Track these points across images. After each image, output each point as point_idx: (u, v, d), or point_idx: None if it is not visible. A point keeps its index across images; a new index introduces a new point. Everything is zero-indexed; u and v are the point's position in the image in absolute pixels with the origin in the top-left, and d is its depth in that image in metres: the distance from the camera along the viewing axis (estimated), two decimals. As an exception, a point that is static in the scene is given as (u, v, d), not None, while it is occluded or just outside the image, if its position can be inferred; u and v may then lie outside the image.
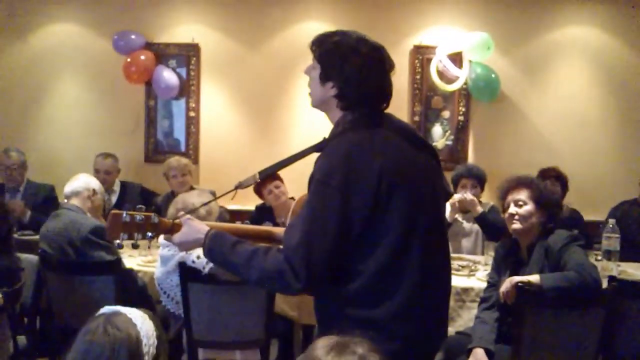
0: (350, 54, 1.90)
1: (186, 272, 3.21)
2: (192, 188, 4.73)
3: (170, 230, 2.02)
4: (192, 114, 5.80)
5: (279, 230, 2.14)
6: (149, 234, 2.02)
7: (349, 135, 1.84)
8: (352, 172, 1.75)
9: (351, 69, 1.88)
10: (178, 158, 5.01)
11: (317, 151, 1.92)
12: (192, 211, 2.19)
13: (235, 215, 4.81)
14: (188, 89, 5.77)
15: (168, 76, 5.61)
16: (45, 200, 4.92)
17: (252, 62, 5.77)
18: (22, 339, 3.30)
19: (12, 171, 4.98)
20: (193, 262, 3.20)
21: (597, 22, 5.59)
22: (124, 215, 2.00)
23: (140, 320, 1.53)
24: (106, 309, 1.57)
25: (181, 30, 5.80)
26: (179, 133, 5.86)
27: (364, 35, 1.95)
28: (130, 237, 2.03)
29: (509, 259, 3.20)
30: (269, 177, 4.62)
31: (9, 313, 3.00)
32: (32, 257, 3.54)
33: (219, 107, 5.83)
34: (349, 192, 1.74)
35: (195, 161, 5.67)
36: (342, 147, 1.81)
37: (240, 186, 2.14)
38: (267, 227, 2.44)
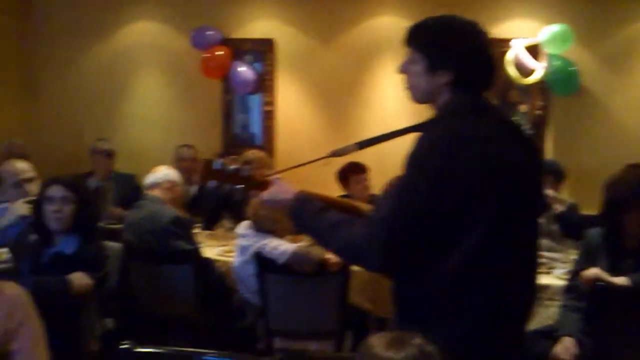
0: (460, 35, 1.81)
1: (263, 262, 3.28)
2: (268, 181, 4.79)
3: (259, 186, 1.98)
4: (267, 108, 5.88)
5: (366, 208, 2.09)
6: (238, 186, 2.00)
7: (455, 119, 1.77)
8: (451, 157, 1.67)
9: (466, 50, 1.80)
10: (255, 151, 5.09)
11: (418, 131, 1.85)
12: (283, 171, 2.16)
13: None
14: (264, 83, 5.86)
15: (244, 71, 5.71)
16: (130, 190, 5.10)
17: (326, 57, 5.81)
18: (109, 321, 3.45)
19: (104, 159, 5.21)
20: (269, 252, 3.27)
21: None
22: (216, 162, 1.96)
23: None
24: None
25: (257, 25, 5.89)
26: (255, 127, 5.96)
27: (456, 15, 1.89)
28: (219, 186, 2.06)
29: (608, 246, 3.10)
30: (356, 168, 4.66)
31: (97, 297, 3.14)
32: (117, 245, 3.68)
33: (294, 101, 5.90)
34: (443, 177, 1.66)
35: (271, 154, 5.75)
36: (445, 129, 1.74)
37: (335, 154, 2.09)
38: (355, 202, 2.36)
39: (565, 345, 2.91)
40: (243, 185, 1.99)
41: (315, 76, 5.83)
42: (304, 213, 1.87)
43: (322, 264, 3.28)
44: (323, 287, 3.34)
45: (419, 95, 1.87)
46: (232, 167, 1.97)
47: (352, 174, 4.64)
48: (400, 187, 1.72)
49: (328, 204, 1.93)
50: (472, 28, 1.83)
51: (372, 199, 4.72)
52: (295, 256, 3.24)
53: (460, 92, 1.80)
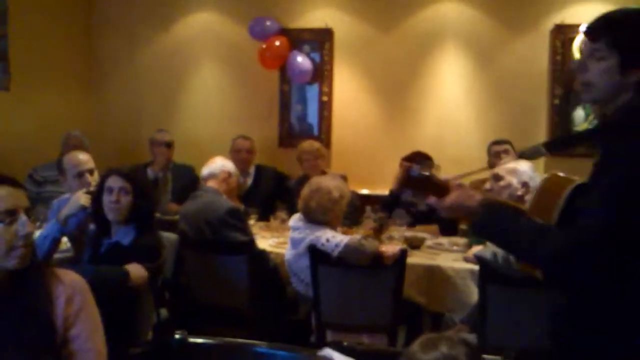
0: None
1: (316, 254, 3.26)
2: (323, 172, 4.79)
3: (442, 192, 1.87)
4: (324, 98, 5.85)
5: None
6: (424, 195, 1.89)
7: None
8: None
9: None
10: (311, 142, 5.09)
11: (611, 134, 1.74)
12: (465, 175, 2.01)
13: (365, 200, 4.81)
14: (321, 73, 5.83)
15: (302, 61, 5.69)
16: (189, 181, 5.16)
17: (384, 46, 5.73)
18: (164, 311, 3.49)
19: (163, 150, 5.29)
20: (323, 245, 3.25)
21: None
22: (413, 169, 1.87)
23: None
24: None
25: (315, 15, 5.86)
26: (312, 117, 5.94)
27: None
28: (414, 194, 1.99)
29: None
30: (417, 158, 4.59)
31: (152, 287, 3.18)
32: (173, 236, 3.72)
33: (352, 91, 5.84)
34: None
35: (328, 145, 5.73)
36: None
37: (523, 155, 1.99)
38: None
39: None
40: (429, 193, 1.88)
41: (373, 66, 5.77)
42: (494, 220, 1.76)
43: (377, 257, 3.23)
44: (377, 280, 3.30)
45: (599, 94, 1.74)
46: (425, 174, 1.89)
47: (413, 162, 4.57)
48: (619, 195, 1.60)
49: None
50: None
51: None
52: (349, 248, 3.20)
53: None
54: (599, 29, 1.71)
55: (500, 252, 2.99)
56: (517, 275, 2.89)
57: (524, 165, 3.32)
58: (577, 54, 5.11)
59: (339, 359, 1.45)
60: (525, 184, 3.27)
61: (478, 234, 1.89)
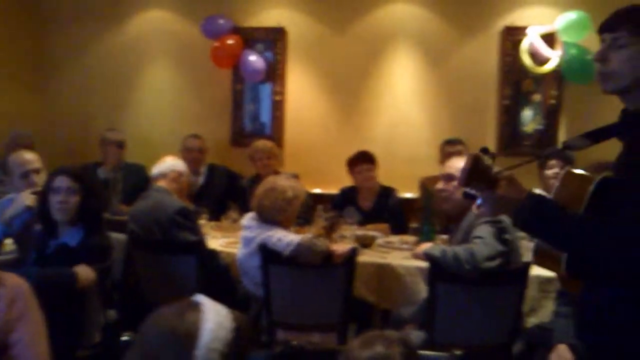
0: None
1: (267, 254, 3.26)
2: (276, 171, 4.79)
3: (494, 185, 1.78)
4: (277, 98, 5.85)
5: None
6: (483, 187, 1.78)
7: None
8: None
9: None
10: (264, 141, 5.09)
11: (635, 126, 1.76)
12: (515, 167, 1.89)
13: (317, 200, 4.83)
14: (274, 73, 5.82)
15: (255, 60, 5.68)
16: (140, 181, 5.09)
17: (338, 46, 5.75)
18: (112, 313, 3.44)
19: (115, 150, 5.21)
20: (274, 244, 3.25)
21: None
22: (486, 159, 1.75)
23: (213, 321, 1.40)
24: (195, 298, 1.49)
25: (268, 14, 5.85)
26: (265, 117, 5.93)
27: None
28: (475, 187, 1.79)
29: None
30: (362, 158, 4.65)
31: (100, 288, 3.14)
32: (122, 237, 3.68)
33: (305, 91, 5.85)
34: None
35: (280, 144, 5.72)
36: None
37: (569, 147, 1.91)
38: None
39: (559, 354, 2.86)
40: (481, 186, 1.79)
41: (326, 65, 5.79)
42: (542, 214, 1.72)
43: (327, 256, 3.25)
44: (327, 279, 3.31)
45: (623, 82, 1.75)
46: (490, 164, 1.79)
47: (357, 163, 4.65)
48: None
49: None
50: None
51: (384, 190, 4.71)
52: (301, 247, 3.20)
53: None
54: (619, 18, 1.76)
55: (449, 249, 3.04)
56: (466, 272, 2.95)
57: None
58: (524, 56, 5.20)
59: (209, 305, 1.43)
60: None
61: (522, 228, 1.80)
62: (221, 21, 5.72)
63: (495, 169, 1.76)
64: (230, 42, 5.67)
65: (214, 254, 3.68)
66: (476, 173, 1.74)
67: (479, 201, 1.80)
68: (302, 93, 5.85)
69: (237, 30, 5.76)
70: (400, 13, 5.64)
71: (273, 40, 5.81)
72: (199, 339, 1.35)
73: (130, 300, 3.65)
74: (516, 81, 5.45)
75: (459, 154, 4.67)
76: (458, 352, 2.02)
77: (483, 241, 2.96)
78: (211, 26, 5.70)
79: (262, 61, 5.71)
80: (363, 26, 5.71)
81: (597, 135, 1.77)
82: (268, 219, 3.37)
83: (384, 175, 4.84)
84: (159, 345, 1.37)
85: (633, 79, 1.73)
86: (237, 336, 1.39)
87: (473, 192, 1.77)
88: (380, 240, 4.07)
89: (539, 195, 1.76)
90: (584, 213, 1.72)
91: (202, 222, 4.27)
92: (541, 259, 1.88)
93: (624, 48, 1.72)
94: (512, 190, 1.75)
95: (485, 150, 1.76)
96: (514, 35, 5.39)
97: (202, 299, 1.45)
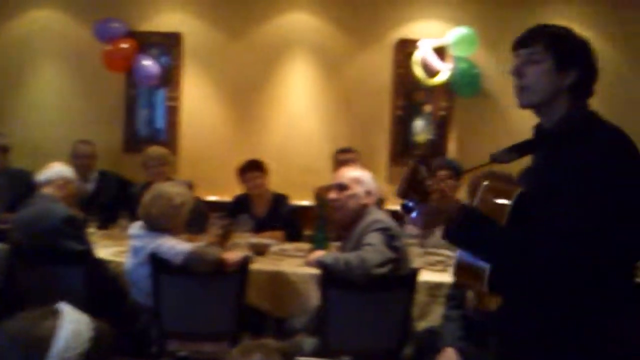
0: (580, 40, 1.84)
1: (157, 263, 3.19)
2: (169, 179, 4.71)
3: (427, 196, 1.76)
4: (172, 103, 5.75)
5: None
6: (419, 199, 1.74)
7: (611, 127, 1.78)
8: (633, 167, 1.70)
9: (586, 52, 1.83)
10: (156, 148, 4.97)
11: (556, 141, 1.81)
12: (468, 172, 1.98)
13: (212, 207, 4.77)
14: (169, 78, 5.72)
15: (149, 65, 5.56)
16: (25, 188, 4.85)
17: (235, 53, 5.73)
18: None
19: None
20: (164, 253, 3.18)
21: (581, 21, 5.56)
22: (422, 170, 1.73)
23: (70, 329, 1.37)
24: (57, 305, 1.47)
25: (164, 18, 5.75)
26: (160, 123, 5.81)
27: None
28: (413, 199, 1.74)
29: None
30: (251, 166, 4.64)
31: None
32: (3, 246, 3.50)
33: (200, 97, 5.79)
34: (630, 185, 1.69)
35: (175, 151, 5.63)
36: (616, 136, 1.75)
37: (497, 159, 1.91)
38: None
39: (447, 357, 2.96)
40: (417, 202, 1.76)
41: (222, 72, 5.75)
42: (473, 227, 1.73)
43: (219, 264, 3.21)
44: (220, 288, 3.28)
45: (537, 97, 1.82)
46: (424, 174, 1.77)
47: (247, 171, 4.65)
48: (590, 197, 1.66)
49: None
50: (579, 34, 1.86)
51: (277, 198, 4.72)
52: (192, 256, 3.15)
53: (577, 98, 1.82)
54: (534, 35, 1.84)
55: (341, 256, 3.08)
56: (357, 278, 3.00)
57: (365, 174, 3.43)
58: (416, 68, 5.36)
59: (70, 313, 1.41)
60: (369, 192, 3.37)
61: (452, 241, 1.78)
62: (115, 24, 5.56)
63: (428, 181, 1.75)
64: (124, 45, 5.52)
65: (102, 263, 3.56)
66: (414, 183, 1.72)
67: (413, 214, 1.75)
68: (197, 99, 5.78)
69: (131, 34, 5.62)
70: (297, 23, 5.69)
71: (169, 45, 5.71)
72: (51, 345, 1.33)
73: (13, 313, 3.46)
74: (408, 92, 5.62)
75: (351, 162, 4.75)
76: (346, 358, 2.04)
77: (373, 248, 3.02)
78: (103, 29, 5.53)
79: (156, 66, 5.60)
80: (260, 34, 5.72)
81: (521, 150, 1.85)
82: (156, 227, 3.30)
83: (279, 184, 4.86)
84: (9, 347, 1.34)
85: (548, 94, 1.81)
86: (95, 346, 1.38)
87: (411, 204, 1.74)
88: (274, 248, 4.07)
89: (472, 209, 1.77)
90: (506, 224, 1.74)
91: (91, 230, 4.11)
92: (461, 275, 1.87)
93: (539, 63, 1.80)
94: (445, 202, 1.75)
95: (421, 161, 1.76)
96: (406, 47, 5.56)
97: (64, 307, 1.42)
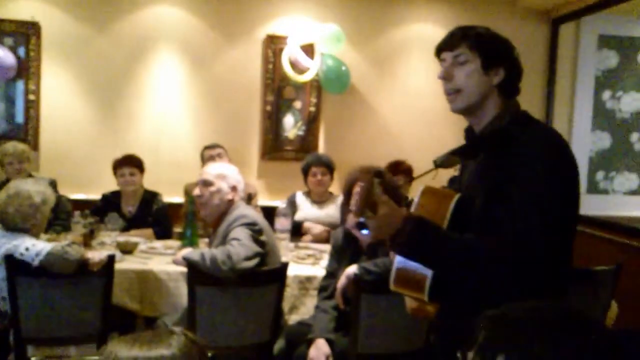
0: (503, 38, 1.86)
1: (14, 265, 3.02)
2: (30, 176, 4.48)
3: (375, 208, 1.69)
4: (31, 97, 5.43)
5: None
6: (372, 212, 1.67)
7: (542, 125, 1.82)
8: (569, 162, 1.73)
9: (511, 50, 1.85)
10: (15, 143, 4.70)
11: (491, 144, 1.80)
12: (420, 176, 1.85)
13: (79, 205, 4.58)
14: (27, 70, 5.41)
15: (4, 55, 5.22)
16: None
17: (98, 46, 5.51)
18: None
19: None
20: (21, 254, 3.02)
21: (440, 20, 5.83)
22: (377, 185, 1.65)
23: None
24: None
25: (19, 6, 5.41)
26: (19, 117, 5.48)
27: None
28: (366, 214, 1.66)
29: (348, 249, 3.25)
30: (127, 161, 4.50)
31: None
32: None
33: (63, 91, 5.52)
34: (576, 178, 1.74)
35: (35, 147, 5.34)
36: (546, 133, 1.77)
37: (441, 164, 1.87)
38: None
39: (318, 347, 3.03)
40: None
41: (86, 65, 5.51)
42: (423, 238, 1.67)
43: (82, 264, 3.09)
44: (84, 289, 3.15)
45: (470, 99, 1.81)
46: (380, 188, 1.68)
47: (123, 165, 4.52)
48: (538, 196, 1.65)
49: None
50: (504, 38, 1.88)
51: (148, 195, 4.61)
52: (51, 257, 3.01)
53: (512, 96, 1.84)
54: (457, 37, 1.83)
55: (207, 252, 3.06)
56: (224, 274, 2.99)
57: (230, 169, 3.42)
58: (285, 64, 5.39)
59: None
60: (234, 188, 3.36)
61: (399, 252, 1.71)
62: (-36, 11, 5.20)
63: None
64: (-26, 34, 5.17)
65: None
66: (369, 200, 1.67)
67: (364, 231, 1.70)
68: (59, 93, 5.51)
69: (-17, 22, 5.27)
70: (164, 16, 5.56)
71: (26, 34, 5.39)
72: None
73: None
74: (278, 88, 5.65)
75: (218, 157, 4.73)
76: (209, 354, 2.03)
77: (239, 242, 3.03)
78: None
79: (12, 57, 5.27)
80: (125, 26, 5.54)
81: (463, 154, 1.86)
82: (14, 227, 3.13)
83: (149, 180, 4.74)
84: None
85: (479, 94, 1.81)
86: None
87: (364, 220, 1.68)
88: (143, 246, 3.98)
89: (418, 218, 1.71)
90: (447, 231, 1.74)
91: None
92: (401, 285, 1.83)
93: (466, 64, 1.81)
94: (390, 212, 1.69)
95: (379, 174, 1.71)
96: (275, 43, 5.59)
97: None
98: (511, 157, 1.70)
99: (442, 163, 1.84)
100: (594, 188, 6.09)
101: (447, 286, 1.75)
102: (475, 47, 1.80)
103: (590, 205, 5.80)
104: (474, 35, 1.83)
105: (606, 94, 6.09)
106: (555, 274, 1.70)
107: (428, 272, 1.73)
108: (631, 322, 3.76)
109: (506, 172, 1.69)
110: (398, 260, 1.78)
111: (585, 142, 5.98)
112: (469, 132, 1.92)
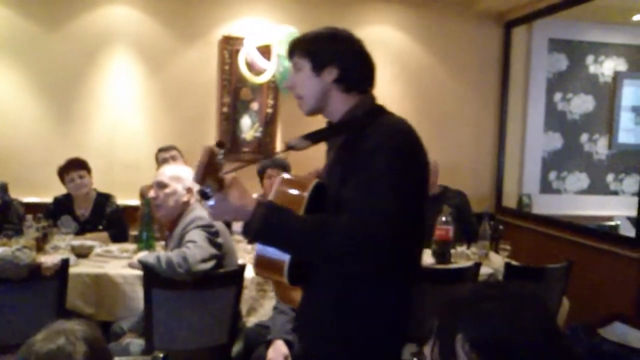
0: (335, 37, 1.90)
1: (-37, 271, 2.95)
2: (-21, 179, 4.37)
3: (222, 186, 1.69)
4: (-19, 98, 5.32)
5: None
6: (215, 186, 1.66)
7: (393, 116, 1.86)
8: (418, 148, 1.80)
9: (343, 46, 1.89)
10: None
11: (349, 131, 1.85)
12: (237, 169, 1.79)
13: (32, 209, 4.49)
14: (-24, 70, 5.29)
15: (-48, 56, 5.10)
16: None
17: (50, 45, 5.40)
18: None
19: None
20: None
21: (399, 22, 5.90)
22: (219, 156, 1.64)
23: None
24: None
25: (-33, 4, 5.30)
26: (-33, 119, 5.36)
27: (327, 26, 1.96)
28: (210, 186, 1.64)
29: None
30: (74, 165, 4.42)
31: None
32: None
33: (13, 91, 5.39)
34: (422, 165, 1.81)
35: (-14, 150, 5.23)
36: (394, 121, 1.83)
37: (293, 147, 1.86)
38: None
39: (276, 348, 3.03)
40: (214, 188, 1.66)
41: (37, 65, 5.40)
42: (277, 221, 1.68)
43: (34, 269, 3.03)
44: (36, 294, 3.09)
45: (311, 102, 1.88)
46: (220, 158, 1.66)
47: (69, 170, 4.45)
48: (388, 183, 1.69)
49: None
50: (343, 31, 1.92)
51: (101, 198, 4.54)
52: (2, 262, 2.94)
53: (356, 89, 1.88)
54: (292, 46, 1.91)
55: (163, 255, 3.03)
56: (180, 277, 2.97)
57: (185, 171, 3.39)
58: (242, 66, 5.38)
59: None
60: (189, 190, 3.34)
61: (254, 237, 1.72)
62: None
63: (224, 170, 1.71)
64: None
65: None
66: (210, 169, 1.66)
67: (210, 202, 1.71)
68: (9, 93, 5.38)
69: None
70: (118, 15, 5.49)
71: (-26, 34, 5.27)
72: None
73: None
74: (235, 89, 5.63)
75: (172, 159, 4.69)
76: (160, 354, 2.01)
77: (195, 245, 3.01)
78: None
79: (-40, 57, 5.15)
80: (78, 26, 5.45)
81: (314, 137, 1.86)
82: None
83: (103, 182, 4.67)
84: None
85: (316, 96, 1.88)
86: None
87: (208, 190, 1.67)
88: (98, 250, 3.92)
89: (269, 203, 1.73)
90: (304, 214, 1.76)
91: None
92: (262, 270, 1.86)
93: (300, 71, 1.89)
94: (238, 196, 1.70)
95: (220, 145, 1.70)
96: (232, 45, 5.57)
97: None
98: (362, 144, 1.75)
99: (294, 146, 1.87)
100: (546, 188, 6.22)
101: (303, 269, 1.81)
102: (304, 53, 1.89)
103: (544, 205, 5.94)
104: (304, 41, 1.91)
105: (557, 96, 6.23)
106: (401, 256, 1.73)
107: (286, 257, 1.77)
108: (582, 318, 3.86)
109: (356, 157, 1.75)
110: (258, 246, 1.81)
111: (538, 143, 6.10)
112: (329, 124, 1.99)
